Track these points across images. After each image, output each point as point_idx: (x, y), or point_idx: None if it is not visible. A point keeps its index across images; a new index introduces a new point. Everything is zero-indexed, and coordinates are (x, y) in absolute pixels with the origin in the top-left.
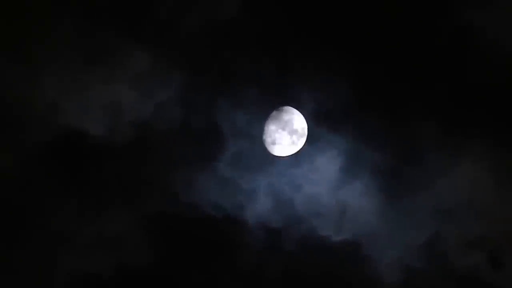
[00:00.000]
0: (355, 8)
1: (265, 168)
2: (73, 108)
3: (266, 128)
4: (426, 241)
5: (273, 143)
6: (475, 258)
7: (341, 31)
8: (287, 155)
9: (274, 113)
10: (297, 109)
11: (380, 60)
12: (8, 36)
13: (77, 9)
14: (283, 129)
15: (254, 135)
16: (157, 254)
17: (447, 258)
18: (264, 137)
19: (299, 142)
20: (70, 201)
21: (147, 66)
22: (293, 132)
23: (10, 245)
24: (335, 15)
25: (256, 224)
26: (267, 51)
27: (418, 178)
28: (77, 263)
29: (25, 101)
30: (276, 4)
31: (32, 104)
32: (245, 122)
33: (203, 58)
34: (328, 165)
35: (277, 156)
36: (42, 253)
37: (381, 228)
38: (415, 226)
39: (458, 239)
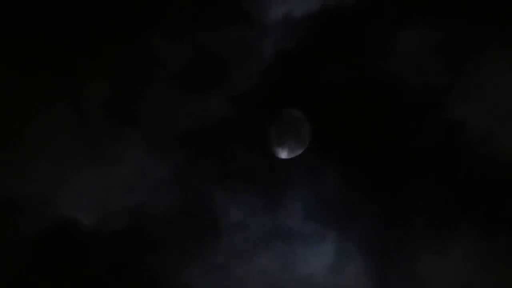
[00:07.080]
0: (344, 100)
1: (259, 254)
2: (65, 198)
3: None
4: None
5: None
6: None
7: (330, 126)
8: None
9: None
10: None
11: (371, 154)
12: None
13: (69, 101)
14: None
15: (248, 225)
16: None
17: None
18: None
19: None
20: None
21: (140, 155)
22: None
23: None
24: (323, 109)
25: None
26: (257, 150)
27: (408, 265)
28: None
29: (16, 194)
30: (264, 104)
31: (23, 196)
32: (241, 215)
33: (195, 152)
34: (318, 259)
35: (271, 244)
36: None
37: None
38: None
39: None
